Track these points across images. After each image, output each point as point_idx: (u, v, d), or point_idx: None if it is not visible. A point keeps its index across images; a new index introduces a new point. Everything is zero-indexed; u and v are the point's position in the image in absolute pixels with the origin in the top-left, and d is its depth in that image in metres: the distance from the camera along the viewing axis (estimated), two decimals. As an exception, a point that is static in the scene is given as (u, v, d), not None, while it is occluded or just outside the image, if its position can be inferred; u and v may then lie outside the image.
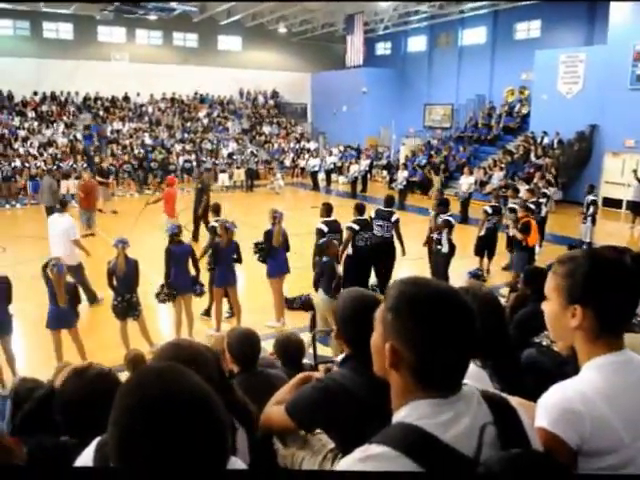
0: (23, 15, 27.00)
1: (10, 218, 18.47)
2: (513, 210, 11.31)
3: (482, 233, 11.34)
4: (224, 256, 8.22)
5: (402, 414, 1.31)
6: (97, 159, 22.77)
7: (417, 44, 30.47)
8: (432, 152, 24.64)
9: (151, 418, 1.04)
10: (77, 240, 9.37)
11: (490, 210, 11.38)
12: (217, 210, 9.42)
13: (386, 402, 1.39)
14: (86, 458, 1.89)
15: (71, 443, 2.25)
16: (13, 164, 21.46)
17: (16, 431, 3.22)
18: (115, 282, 7.43)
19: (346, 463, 1.28)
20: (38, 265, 7.02)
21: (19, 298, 7.04)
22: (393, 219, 9.70)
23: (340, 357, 2.88)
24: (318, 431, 2.15)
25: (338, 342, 2.25)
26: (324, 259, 7.45)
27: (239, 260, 8.37)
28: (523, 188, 14.08)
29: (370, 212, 9.89)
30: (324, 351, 6.45)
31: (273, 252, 8.61)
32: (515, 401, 1.47)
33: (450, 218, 9.77)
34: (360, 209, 9.44)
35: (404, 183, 19.94)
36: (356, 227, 9.20)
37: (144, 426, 1.04)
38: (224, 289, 8.39)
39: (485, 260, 11.52)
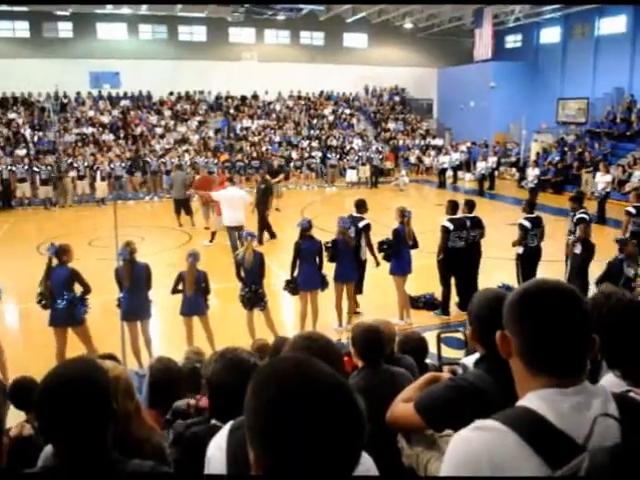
0: (161, 20, 28.81)
1: (149, 210, 19.81)
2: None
3: (626, 235, 10.56)
4: (343, 252, 8.28)
5: (522, 401, 1.36)
6: (223, 156, 23.86)
7: (550, 35, 29.08)
8: (565, 149, 23.40)
9: (293, 408, 1.04)
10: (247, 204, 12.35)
11: (634, 211, 10.59)
12: (362, 206, 9.22)
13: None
14: (219, 441, 1.97)
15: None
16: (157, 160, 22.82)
17: (151, 405, 3.45)
18: (243, 273, 7.72)
19: (459, 433, 1.35)
20: (172, 254, 7.45)
21: (155, 285, 7.47)
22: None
23: (467, 359, 2.81)
24: (447, 432, 2.10)
25: (472, 343, 2.19)
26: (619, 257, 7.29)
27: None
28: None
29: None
30: (449, 353, 6.31)
31: (399, 250, 8.57)
32: None
33: (584, 215, 9.23)
34: (454, 207, 9.00)
35: (535, 181, 19.07)
36: (450, 226, 8.86)
37: (287, 416, 1.03)
38: (343, 285, 8.45)
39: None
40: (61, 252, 6.81)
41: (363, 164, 23.99)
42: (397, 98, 32.37)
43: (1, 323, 8.27)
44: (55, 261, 6.80)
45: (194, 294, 7.24)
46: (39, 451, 2.50)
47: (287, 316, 9.32)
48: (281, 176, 17.87)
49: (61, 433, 1.66)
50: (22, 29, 27.39)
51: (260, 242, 12.56)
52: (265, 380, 1.11)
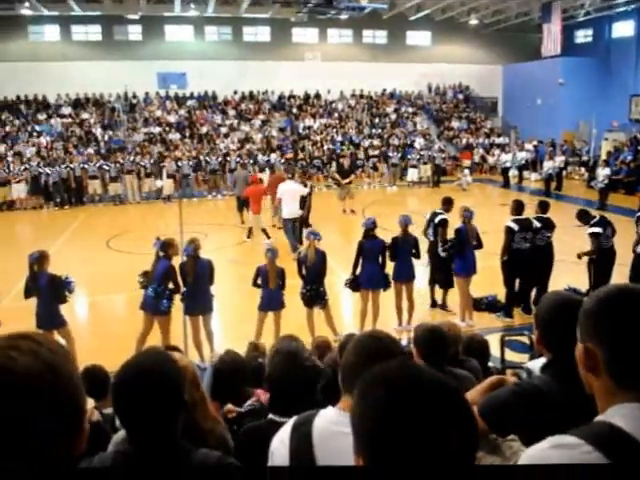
0: (226, 22, 29.34)
1: (212, 208, 20.22)
2: None
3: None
4: (402, 251, 8.24)
5: (603, 416, 1.25)
6: (289, 155, 24.10)
7: (623, 29, 27.90)
8: (639, 147, 22.47)
9: (401, 408, 1.03)
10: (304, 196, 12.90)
11: None
12: (447, 202, 9.25)
13: (588, 410, 1.32)
14: (282, 436, 2.00)
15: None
16: (217, 159, 23.26)
17: (213, 397, 3.53)
18: (304, 271, 7.78)
19: (534, 449, 1.25)
20: (233, 251, 7.59)
21: (216, 280, 7.63)
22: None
23: (532, 363, 2.75)
24: (510, 437, 2.07)
25: (539, 347, 2.14)
26: None
27: (418, 255, 8.34)
28: None
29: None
30: (512, 356, 6.18)
31: (462, 251, 8.45)
32: None
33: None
34: (519, 207, 8.76)
35: (605, 181, 18.39)
36: (515, 227, 8.62)
37: (395, 417, 1.02)
38: (402, 284, 8.38)
39: None
40: (166, 246, 7.16)
41: (425, 163, 23.75)
42: (461, 96, 31.85)
43: (73, 314, 8.62)
44: (161, 254, 7.15)
45: (276, 289, 7.42)
46: (107, 436, 2.61)
47: (347, 314, 9.34)
48: (352, 176, 17.76)
49: (136, 420, 1.75)
50: (95, 32, 28.58)
51: (300, 242, 12.55)
52: (371, 383, 1.10)
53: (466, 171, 23.51)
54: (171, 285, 7.17)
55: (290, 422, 1.99)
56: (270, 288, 7.41)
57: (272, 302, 7.51)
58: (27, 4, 24.38)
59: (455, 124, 29.78)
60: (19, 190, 19.70)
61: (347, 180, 16.98)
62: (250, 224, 14.17)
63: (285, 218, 12.69)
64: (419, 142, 26.73)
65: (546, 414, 1.88)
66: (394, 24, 30.52)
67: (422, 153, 24.28)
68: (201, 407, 2.44)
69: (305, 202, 13.46)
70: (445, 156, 25.97)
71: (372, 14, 29.13)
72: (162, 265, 7.11)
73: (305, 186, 13.90)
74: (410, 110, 30.16)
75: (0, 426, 0.89)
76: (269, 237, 13.51)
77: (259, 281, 7.50)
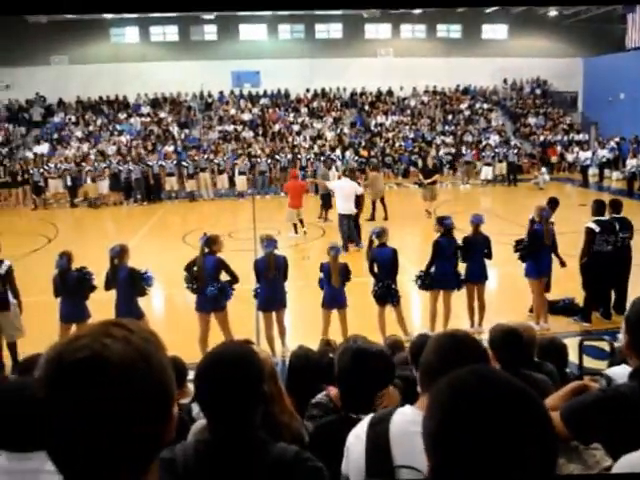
0: (299, 19, 29.61)
1: (284, 205, 20.43)
2: None
3: None
4: (474, 251, 8.08)
5: None
6: (364, 152, 24.14)
7: None
8: None
9: (468, 409, 1.01)
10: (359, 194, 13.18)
11: None
12: (554, 204, 9.09)
13: None
14: (359, 432, 2.02)
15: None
16: (288, 156, 23.51)
17: (289, 392, 3.58)
18: (376, 269, 7.77)
19: (634, 456, 1.23)
20: (305, 248, 7.63)
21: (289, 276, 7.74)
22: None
23: (612, 370, 2.66)
24: (594, 445, 2.01)
25: (627, 353, 2.06)
26: None
27: (490, 256, 8.17)
28: None
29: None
30: (589, 363, 5.96)
31: (536, 251, 8.21)
32: None
33: None
34: (600, 207, 8.41)
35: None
36: (596, 228, 8.26)
37: (461, 418, 1.01)
38: (474, 285, 8.21)
39: None
40: (211, 242, 7.23)
41: (500, 161, 23.18)
42: (538, 91, 30.88)
43: (151, 308, 8.92)
44: (206, 250, 7.20)
45: (339, 286, 7.42)
46: (186, 426, 2.69)
47: (416, 315, 9.26)
48: (436, 176, 17.18)
49: (218, 409, 1.80)
50: (172, 33, 29.52)
51: (346, 249, 12.26)
52: (441, 387, 1.10)
53: (544, 169, 22.77)
54: (225, 278, 7.25)
55: (367, 419, 2.01)
56: (333, 285, 7.39)
57: (335, 300, 7.49)
58: (109, 7, 25.43)
59: (532, 120, 28.89)
60: (102, 187, 20.60)
61: (430, 180, 16.49)
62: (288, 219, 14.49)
63: (340, 214, 12.92)
64: (494, 139, 26.14)
65: (634, 423, 1.82)
66: (469, 17, 29.90)
67: (497, 150, 23.73)
68: (278, 401, 2.49)
69: (359, 201, 13.56)
70: (521, 153, 25.29)
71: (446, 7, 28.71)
72: (210, 261, 7.17)
73: (359, 184, 13.89)
74: (485, 106, 29.53)
75: (93, 414, 0.91)
76: (297, 232, 14.21)
77: (321, 276, 7.51)
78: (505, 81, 31.08)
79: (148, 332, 1.07)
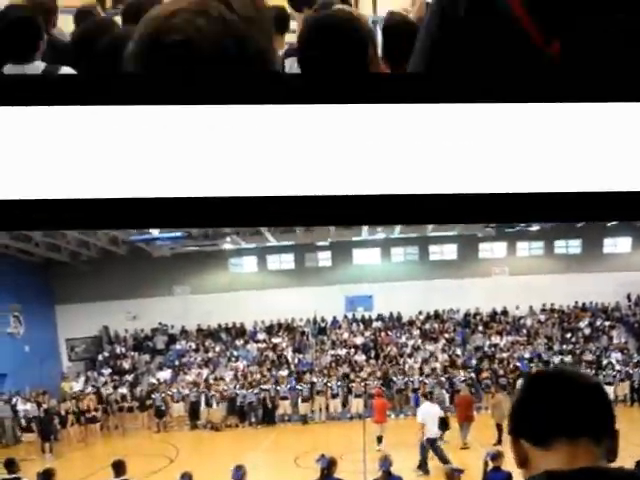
0: (413, 242, 33.12)
1: (395, 426, 22.31)
2: None
3: None
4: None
5: None
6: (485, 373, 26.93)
7: None
8: None
9: (541, 386, 1.36)
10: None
11: None
12: None
13: None
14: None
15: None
16: (403, 379, 26.73)
17: None
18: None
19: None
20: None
21: None
22: None
23: None
24: None
25: None
26: None
27: None
28: None
29: None
30: None
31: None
32: None
33: None
34: None
35: None
36: None
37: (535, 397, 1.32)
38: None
39: None
40: (331, 464, 8.06)
41: (622, 380, 25.01)
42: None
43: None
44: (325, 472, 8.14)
45: None
46: None
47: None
48: None
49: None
50: (288, 261, 33.70)
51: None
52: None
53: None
54: None
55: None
56: None
57: None
58: (229, 239, 29.96)
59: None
60: (220, 410, 24.81)
61: None
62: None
63: (428, 438, 15.84)
64: (615, 357, 27.83)
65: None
66: (590, 232, 31.42)
67: (618, 368, 25.71)
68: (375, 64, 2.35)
69: (445, 423, 16.82)
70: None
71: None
72: None
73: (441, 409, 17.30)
74: (606, 323, 31.21)
75: None
76: (380, 444, 17.16)
77: None
78: (629, 297, 32.49)
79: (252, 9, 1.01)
